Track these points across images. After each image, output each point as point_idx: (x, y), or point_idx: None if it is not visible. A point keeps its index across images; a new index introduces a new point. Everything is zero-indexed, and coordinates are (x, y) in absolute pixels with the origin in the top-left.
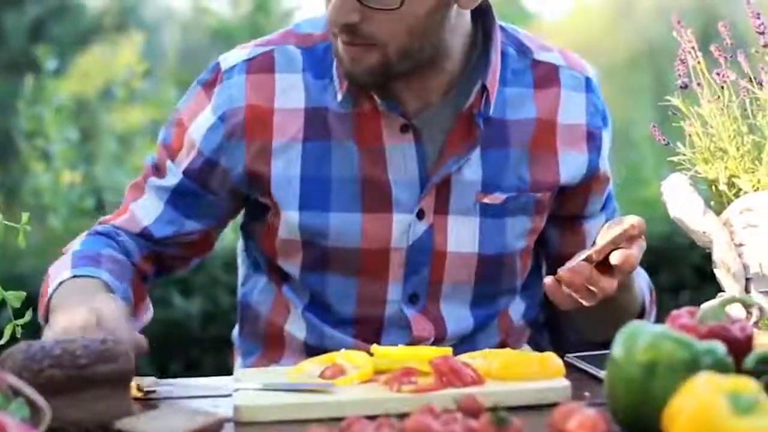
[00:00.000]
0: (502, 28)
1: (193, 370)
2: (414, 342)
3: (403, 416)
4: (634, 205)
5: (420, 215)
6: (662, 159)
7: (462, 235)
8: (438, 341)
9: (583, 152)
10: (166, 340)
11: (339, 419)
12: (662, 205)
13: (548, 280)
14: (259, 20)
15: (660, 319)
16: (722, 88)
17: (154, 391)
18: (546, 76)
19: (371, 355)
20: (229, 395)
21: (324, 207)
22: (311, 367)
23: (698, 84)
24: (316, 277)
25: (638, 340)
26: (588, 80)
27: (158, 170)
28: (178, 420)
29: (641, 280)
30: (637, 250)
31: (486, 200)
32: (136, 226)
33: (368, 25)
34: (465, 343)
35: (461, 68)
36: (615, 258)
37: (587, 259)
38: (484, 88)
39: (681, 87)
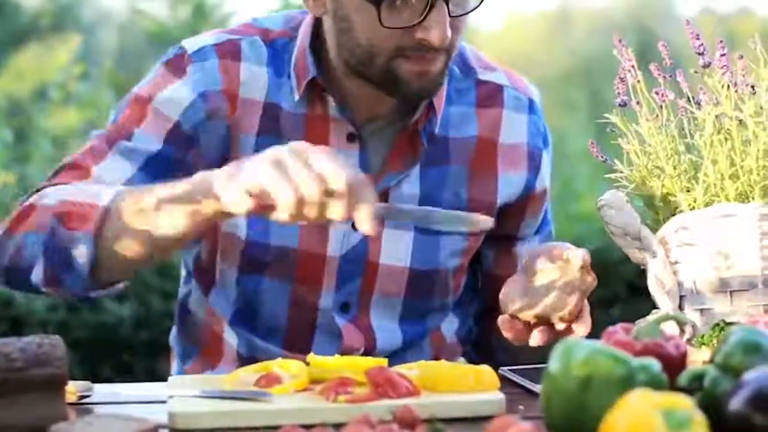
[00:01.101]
0: None
1: (124, 374)
2: (344, 352)
3: (338, 426)
4: (568, 220)
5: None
6: (597, 173)
7: (395, 248)
8: (368, 353)
9: (522, 172)
10: (97, 344)
11: (275, 428)
12: (597, 219)
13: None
14: (197, 24)
15: (594, 333)
16: (661, 107)
17: (88, 396)
18: (489, 96)
19: (307, 364)
20: (164, 402)
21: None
22: (247, 375)
23: (637, 102)
24: (253, 280)
25: (574, 354)
26: (531, 102)
27: (118, 137)
28: (112, 426)
29: None
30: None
31: None
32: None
33: (452, 32)
34: (396, 357)
35: None
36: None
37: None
38: (431, 104)
39: (620, 105)
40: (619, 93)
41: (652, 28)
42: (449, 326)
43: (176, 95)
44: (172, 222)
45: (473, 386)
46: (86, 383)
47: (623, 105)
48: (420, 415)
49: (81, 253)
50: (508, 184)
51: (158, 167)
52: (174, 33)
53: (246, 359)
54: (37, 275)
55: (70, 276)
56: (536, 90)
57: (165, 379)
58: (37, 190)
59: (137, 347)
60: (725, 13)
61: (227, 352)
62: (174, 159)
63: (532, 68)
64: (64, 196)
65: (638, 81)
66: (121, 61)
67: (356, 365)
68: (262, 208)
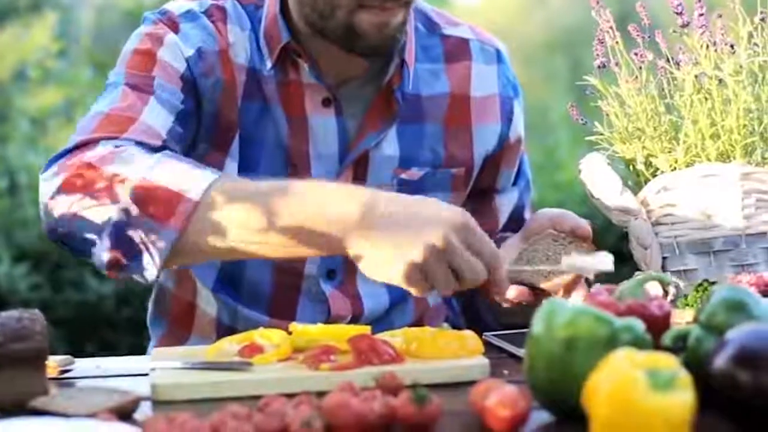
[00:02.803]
0: None
1: (107, 351)
2: (332, 321)
3: (321, 394)
4: (550, 188)
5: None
6: (578, 142)
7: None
8: (355, 319)
9: (495, 123)
10: (80, 321)
11: (257, 398)
12: (579, 187)
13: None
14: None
15: None
16: (640, 68)
17: (70, 370)
18: (456, 50)
19: (289, 333)
20: (146, 374)
21: (254, 167)
22: (228, 346)
23: (616, 64)
24: None
25: (558, 316)
26: (498, 52)
27: (149, 84)
28: (94, 398)
29: None
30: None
31: (404, 176)
32: (156, 137)
33: None
34: (381, 321)
35: None
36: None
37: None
38: (402, 63)
39: (599, 67)
40: (598, 55)
41: None
42: None
43: (176, 47)
44: (277, 249)
45: (457, 352)
46: (67, 357)
47: (602, 67)
48: (403, 381)
49: (158, 247)
50: (483, 137)
51: (186, 120)
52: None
53: (227, 328)
54: (99, 258)
55: (137, 264)
56: (502, 44)
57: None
58: (84, 144)
59: (120, 324)
60: None
61: (200, 323)
62: (192, 112)
63: (511, 41)
64: (141, 170)
65: (617, 42)
66: (99, 39)
67: (339, 333)
68: None
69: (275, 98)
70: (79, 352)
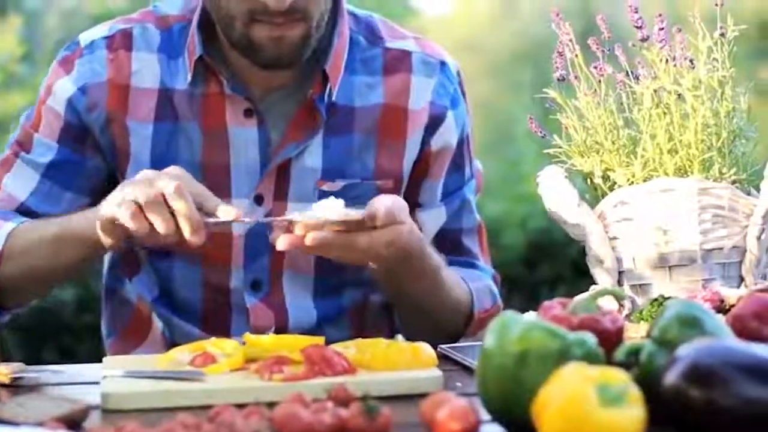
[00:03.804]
0: (354, 15)
1: (66, 357)
2: (253, 332)
3: (273, 405)
4: (514, 201)
5: (258, 201)
6: (543, 155)
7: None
8: (280, 331)
9: (421, 131)
10: (39, 327)
11: (209, 407)
12: (541, 199)
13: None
14: (140, 7)
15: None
16: (599, 81)
17: (21, 378)
18: (396, 63)
19: (242, 343)
20: (98, 383)
21: None
22: (181, 355)
23: (576, 77)
24: (164, 262)
25: (510, 330)
26: (443, 64)
27: (23, 146)
28: (44, 407)
29: (478, 287)
30: (356, 240)
31: (324, 187)
32: (13, 202)
33: None
34: (312, 335)
35: (314, 44)
36: (308, 239)
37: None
38: (324, 74)
39: (558, 79)
40: (557, 67)
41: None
42: (374, 302)
43: (60, 91)
44: (69, 253)
45: (411, 363)
46: (19, 365)
47: (562, 80)
48: (355, 393)
49: None
50: (411, 148)
51: (60, 171)
52: (118, 15)
53: (168, 340)
54: None
55: None
56: (454, 60)
57: None
58: None
59: (80, 330)
60: None
61: (152, 333)
62: (73, 159)
63: (480, 52)
64: None
65: (576, 55)
66: (65, 43)
67: (292, 344)
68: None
69: (192, 114)
70: (37, 359)
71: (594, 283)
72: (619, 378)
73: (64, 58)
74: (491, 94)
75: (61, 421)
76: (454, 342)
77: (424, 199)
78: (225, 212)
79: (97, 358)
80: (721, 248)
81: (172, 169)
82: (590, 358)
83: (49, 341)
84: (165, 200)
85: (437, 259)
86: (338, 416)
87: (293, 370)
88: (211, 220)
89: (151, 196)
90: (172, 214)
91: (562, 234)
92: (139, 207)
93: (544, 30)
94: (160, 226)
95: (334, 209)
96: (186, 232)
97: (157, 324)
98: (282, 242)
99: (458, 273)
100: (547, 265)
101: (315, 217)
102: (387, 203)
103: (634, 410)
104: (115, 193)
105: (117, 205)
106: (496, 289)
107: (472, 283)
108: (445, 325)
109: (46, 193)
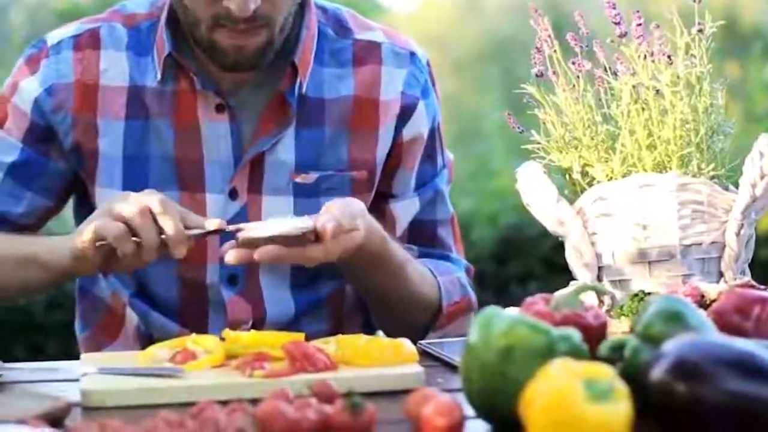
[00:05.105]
0: (322, 8)
1: (38, 355)
2: (231, 326)
3: (255, 401)
4: (483, 196)
5: (233, 195)
6: (513, 149)
7: (275, 215)
8: (257, 325)
9: (393, 122)
10: (9, 324)
11: (190, 404)
12: (512, 196)
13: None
14: (107, 3)
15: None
16: (577, 77)
17: (0, 375)
18: (366, 54)
19: (222, 339)
20: (77, 380)
21: (143, 185)
22: (160, 352)
23: (554, 73)
24: None
25: (494, 325)
26: (413, 54)
27: None
28: (24, 404)
29: (448, 279)
30: (309, 253)
31: (298, 179)
32: None
33: (265, 5)
34: (289, 329)
35: (278, 47)
36: (257, 254)
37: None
38: (294, 67)
39: (537, 75)
40: (535, 63)
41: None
42: (350, 294)
43: (27, 90)
44: (33, 279)
45: (392, 360)
46: None
47: (540, 75)
48: (338, 389)
49: None
50: (384, 139)
51: (23, 172)
52: (85, 11)
53: (145, 336)
54: None
55: None
56: (424, 51)
57: (78, 359)
58: None
59: (50, 328)
60: None
61: (125, 329)
62: (38, 161)
63: (446, 49)
64: None
65: (554, 51)
66: (31, 39)
67: (273, 340)
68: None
69: (163, 110)
70: (8, 357)
71: (572, 278)
72: (606, 373)
73: (30, 56)
74: (459, 91)
75: (43, 418)
76: (423, 335)
77: (398, 189)
78: (210, 223)
79: (68, 355)
80: (700, 244)
81: (149, 192)
82: (575, 354)
83: (19, 339)
84: (152, 215)
85: (402, 254)
86: (323, 412)
87: (274, 367)
88: (192, 232)
89: (138, 212)
90: (159, 229)
91: (532, 230)
92: (126, 225)
93: (509, 27)
94: (149, 239)
95: (284, 222)
96: (171, 244)
97: (132, 320)
98: (231, 257)
99: (428, 266)
100: (517, 261)
101: (267, 233)
102: (336, 215)
103: (621, 405)
104: (95, 216)
105: (100, 226)
106: (467, 282)
107: (441, 277)
108: (412, 319)
109: (7, 192)
